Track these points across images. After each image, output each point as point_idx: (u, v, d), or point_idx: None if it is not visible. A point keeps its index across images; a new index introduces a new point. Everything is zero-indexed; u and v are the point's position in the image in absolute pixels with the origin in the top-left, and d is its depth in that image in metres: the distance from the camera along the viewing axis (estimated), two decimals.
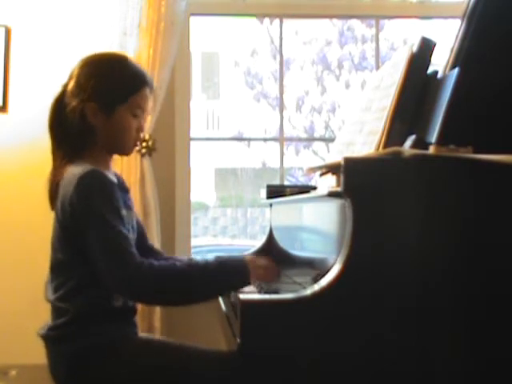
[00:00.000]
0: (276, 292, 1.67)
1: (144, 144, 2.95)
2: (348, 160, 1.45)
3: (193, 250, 3.25)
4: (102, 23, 3.02)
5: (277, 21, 3.52)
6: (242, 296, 1.44)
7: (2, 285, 3.01)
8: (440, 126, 1.53)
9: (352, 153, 1.80)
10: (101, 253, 1.58)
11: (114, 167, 1.86)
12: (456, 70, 1.57)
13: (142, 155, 2.96)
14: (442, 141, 1.50)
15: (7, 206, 3.07)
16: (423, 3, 3.45)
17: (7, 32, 3.08)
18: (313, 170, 2.14)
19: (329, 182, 1.76)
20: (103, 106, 1.72)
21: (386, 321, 1.44)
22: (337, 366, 1.44)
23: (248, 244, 9.13)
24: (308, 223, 1.95)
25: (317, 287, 1.42)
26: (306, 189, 2.27)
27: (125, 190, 1.79)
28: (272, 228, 2.49)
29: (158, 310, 2.89)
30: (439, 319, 1.45)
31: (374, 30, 3.76)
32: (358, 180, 1.45)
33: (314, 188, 2.20)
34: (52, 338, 1.68)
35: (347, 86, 9.46)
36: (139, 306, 1.83)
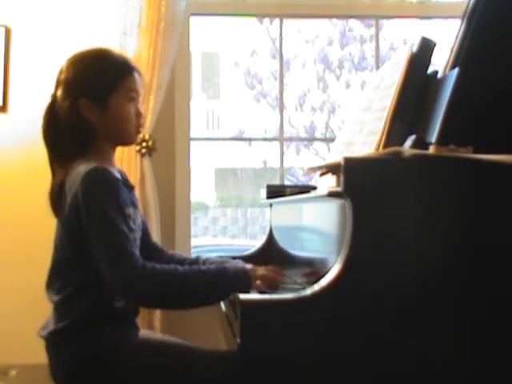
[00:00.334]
0: (276, 292, 1.67)
1: (144, 144, 2.95)
2: (348, 160, 1.45)
3: (193, 250, 3.25)
4: (102, 23, 3.02)
5: (277, 21, 3.52)
6: (242, 296, 1.44)
7: (2, 285, 3.01)
8: (440, 126, 1.53)
9: (352, 153, 1.80)
10: (102, 251, 1.58)
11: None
12: (456, 70, 1.57)
13: (142, 155, 2.96)
14: (442, 141, 1.50)
15: (7, 206, 3.07)
16: (423, 3, 3.45)
17: (7, 32, 3.08)
18: (313, 169, 2.14)
19: (329, 182, 1.77)
20: (96, 99, 1.71)
21: (386, 321, 1.44)
22: (337, 366, 1.44)
23: (248, 244, 9.13)
24: (308, 223, 1.95)
25: (317, 287, 1.42)
26: (306, 189, 2.27)
27: (129, 186, 1.79)
28: (272, 228, 2.49)
29: (157, 310, 2.89)
30: (439, 319, 1.45)
31: (373, 30, 3.76)
32: (358, 180, 1.45)
33: (314, 188, 2.20)
34: (53, 342, 1.68)
35: (347, 85, 9.46)
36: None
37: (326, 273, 1.44)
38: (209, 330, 2.67)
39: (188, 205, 3.22)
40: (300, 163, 8.48)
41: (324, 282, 1.42)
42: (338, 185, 1.49)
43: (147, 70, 2.94)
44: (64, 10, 3.09)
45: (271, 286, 1.70)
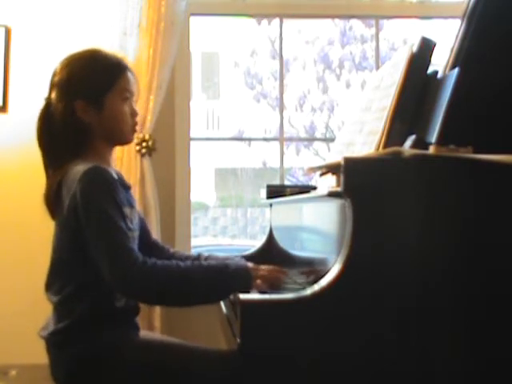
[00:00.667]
0: (276, 292, 1.67)
1: (144, 144, 2.95)
2: (348, 160, 1.45)
3: (193, 250, 3.25)
4: (102, 23, 3.02)
5: (275, 21, 3.52)
6: (242, 296, 1.44)
7: (2, 285, 3.01)
8: (440, 126, 1.53)
9: (352, 153, 1.80)
10: (101, 249, 1.58)
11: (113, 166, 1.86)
12: (456, 70, 1.57)
13: (142, 155, 2.96)
14: (442, 141, 1.50)
15: (7, 206, 3.07)
16: (423, 3, 3.45)
17: (7, 32, 3.08)
18: (313, 169, 2.14)
19: (329, 182, 1.76)
20: (91, 99, 1.72)
21: (386, 321, 1.44)
22: (337, 366, 1.44)
23: (248, 244, 9.13)
24: (308, 223, 1.95)
25: (317, 287, 1.42)
26: (306, 189, 2.27)
27: (126, 186, 1.79)
28: (272, 228, 2.49)
29: (158, 309, 2.90)
30: (439, 319, 1.45)
31: (373, 30, 3.76)
32: (358, 180, 1.45)
33: (314, 188, 2.20)
34: (54, 343, 1.68)
35: (348, 85, 9.46)
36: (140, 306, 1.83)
37: (326, 273, 1.44)
38: (209, 330, 2.67)
39: (188, 205, 3.22)
40: (300, 163, 8.48)
41: (324, 282, 1.42)
42: (338, 185, 1.49)
43: (147, 70, 2.94)
44: (64, 10, 3.09)
45: (272, 285, 1.70)
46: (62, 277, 1.69)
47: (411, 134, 1.60)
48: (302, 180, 8.19)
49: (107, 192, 1.62)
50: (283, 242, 2.30)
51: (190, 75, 3.30)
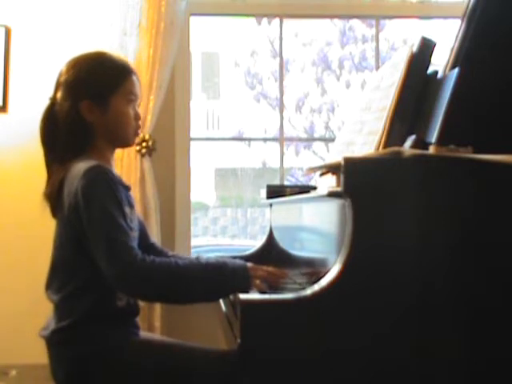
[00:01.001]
0: (276, 292, 1.67)
1: (144, 144, 2.95)
2: (348, 160, 1.45)
3: (193, 250, 3.25)
4: (102, 23, 3.02)
5: (277, 21, 3.52)
6: (242, 296, 1.44)
7: (2, 285, 3.01)
8: (440, 126, 1.53)
9: (352, 153, 1.80)
10: (100, 245, 1.58)
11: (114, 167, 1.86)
12: (456, 70, 1.57)
13: (142, 155, 2.96)
14: (442, 141, 1.50)
15: (7, 206, 3.07)
16: (423, 3, 3.45)
17: (7, 32, 3.08)
18: (313, 170, 2.14)
19: (329, 182, 1.76)
20: (97, 100, 1.73)
21: (386, 321, 1.44)
22: (337, 366, 1.44)
23: (248, 244, 9.13)
24: (308, 223, 1.95)
25: (317, 287, 1.42)
26: (305, 189, 2.27)
27: (126, 187, 1.80)
28: (272, 228, 2.49)
29: (158, 309, 2.90)
30: (439, 319, 1.45)
31: (374, 30, 3.76)
32: (358, 180, 1.45)
33: (314, 188, 2.20)
34: (54, 342, 1.68)
35: (347, 86, 9.46)
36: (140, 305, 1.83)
37: (326, 273, 1.44)
38: (209, 330, 2.67)
39: (188, 205, 3.22)
40: (299, 164, 8.48)
41: (324, 282, 1.42)
42: (338, 185, 1.49)
43: (147, 70, 2.94)
44: (64, 10, 3.09)
45: (272, 286, 1.70)
46: (62, 275, 1.69)
47: (411, 134, 1.60)
48: (302, 180, 8.19)
49: (108, 190, 1.62)
50: (283, 242, 2.30)
51: (190, 75, 3.29)
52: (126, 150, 2.92)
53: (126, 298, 1.69)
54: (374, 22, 3.62)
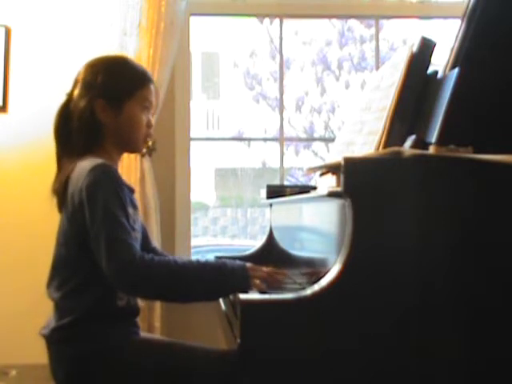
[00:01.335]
0: (276, 292, 1.67)
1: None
2: (348, 160, 1.45)
3: (193, 250, 3.25)
4: (102, 23, 3.02)
5: (277, 21, 3.52)
6: (242, 296, 1.44)
7: (2, 285, 3.01)
8: (440, 125, 1.53)
9: (352, 153, 1.80)
10: (101, 242, 1.58)
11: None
12: (456, 70, 1.57)
13: (142, 155, 2.96)
14: (442, 141, 1.50)
15: (7, 206, 3.07)
16: (423, 3, 3.45)
17: (7, 32, 3.08)
18: (313, 170, 2.14)
19: (329, 182, 1.76)
20: (111, 102, 1.74)
21: (386, 321, 1.44)
22: (337, 366, 1.44)
23: (248, 244, 9.13)
24: (308, 223, 1.95)
25: (317, 287, 1.42)
26: (305, 189, 2.27)
27: (130, 189, 1.80)
28: (272, 228, 2.49)
29: (158, 310, 2.90)
30: (439, 319, 1.45)
31: (373, 30, 3.76)
32: (358, 180, 1.45)
33: (314, 188, 2.20)
34: (55, 340, 1.68)
35: (347, 86, 9.46)
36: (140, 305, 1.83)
37: (326, 273, 1.44)
38: (209, 330, 2.67)
39: (188, 205, 3.22)
40: (299, 164, 8.48)
41: (324, 282, 1.42)
42: (338, 185, 1.49)
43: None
44: (64, 10, 3.09)
45: (271, 286, 1.70)
46: (63, 272, 1.69)
47: (411, 134, 1.60)
48: (302, 180, 8.19)
49: (112, 189, 1.63)
50: (283, 242, 2.30)
51: (190, 75, 3.30)
52: None
53: (127, 297, 1.69)
54: (372, 22, 3.62)
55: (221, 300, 1.98)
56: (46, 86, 2.96)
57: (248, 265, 1.70)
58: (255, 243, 2.70)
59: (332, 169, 1.74)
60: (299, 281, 1.84)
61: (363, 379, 1.44)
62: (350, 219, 1.44)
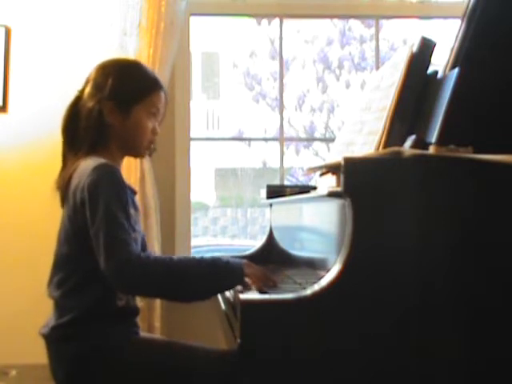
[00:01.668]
0: (276, 292, 1.67)
1: None
2: (348, 160, 1.45)
3: (193, 250, 3.25)
4: (102, 23, 3.02)
5: (276, 21, 3.52)
6: (242, 296, 1.44)
7: (2, 285, 3.01)
8: (440, 125, 1.53)
9: (352, 153, 1.80)
10: (100, 240, 1.59)
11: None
12: (456, 70, 1.57)
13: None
14: (442, 141, 1.50)
15: (7, 206, 3.07)
16: (423, 3, 3.45)
17: (7, 32, 3.08)
18: (313, 170, 2.14)
19: (329, 182, 1.76)
20: (120, 105, 1.75)
21: (386, 321, 1.44)
22: (337, 366, 1.44)
23: (248, 244, 9.14)
24: (308, 223, 1.95)
25: (317, 287, 1.42)
26: (305, 189, 2.27)
27: (132, 191, 1.81)
28: (272, 228, 2.49)
29: (158, 310, 2.90)
30: (439, 319, 1.45)
31: (373, 30, 3.76)
32: (358, 180, 1.45)
33: (314, 188, 2.20)
34: (55, 338, 1.68)
35: (347, 86, 9.46)
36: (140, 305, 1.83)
37: (326, 273, 1.44)
38: (209, 330, 2.67)
39: (188, 205, 3.22)
40: (299, 164, 8.48)
41: (324, 282, 1.42)
42: (338, 185, 1.49)
43: None
44: (64, 10, 3.09)
45: (265, 285, 1.70)
46: (64, 270, 1.70)
47: (411, 134, 1.60)
48: (302, 180, 8.18)
49: (114, 189, 1.63)
50: (283, 242, 2.30)
51: (190, 75, 3.30)
52: None
53: (126, 297, 1.70)
54: (372, 22, 3.62)
55: (221, 300, 1.98)
56: (46, 86, 2.96)
57: (243, 261, 1.71)
58: (255, 243, 2.70)
59: (332, 169, 1.74)
60: (299, 281, 1.84)
61: (363, 379, 1.44)
62: (350, 219, 1.44)
